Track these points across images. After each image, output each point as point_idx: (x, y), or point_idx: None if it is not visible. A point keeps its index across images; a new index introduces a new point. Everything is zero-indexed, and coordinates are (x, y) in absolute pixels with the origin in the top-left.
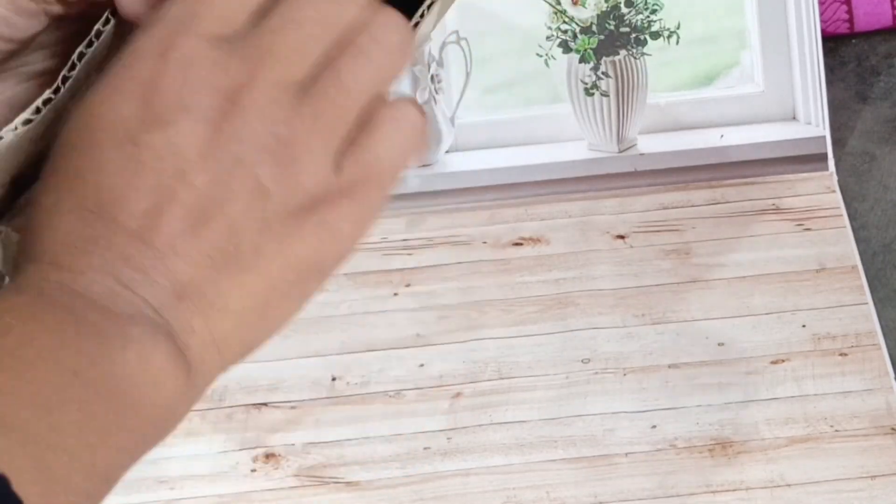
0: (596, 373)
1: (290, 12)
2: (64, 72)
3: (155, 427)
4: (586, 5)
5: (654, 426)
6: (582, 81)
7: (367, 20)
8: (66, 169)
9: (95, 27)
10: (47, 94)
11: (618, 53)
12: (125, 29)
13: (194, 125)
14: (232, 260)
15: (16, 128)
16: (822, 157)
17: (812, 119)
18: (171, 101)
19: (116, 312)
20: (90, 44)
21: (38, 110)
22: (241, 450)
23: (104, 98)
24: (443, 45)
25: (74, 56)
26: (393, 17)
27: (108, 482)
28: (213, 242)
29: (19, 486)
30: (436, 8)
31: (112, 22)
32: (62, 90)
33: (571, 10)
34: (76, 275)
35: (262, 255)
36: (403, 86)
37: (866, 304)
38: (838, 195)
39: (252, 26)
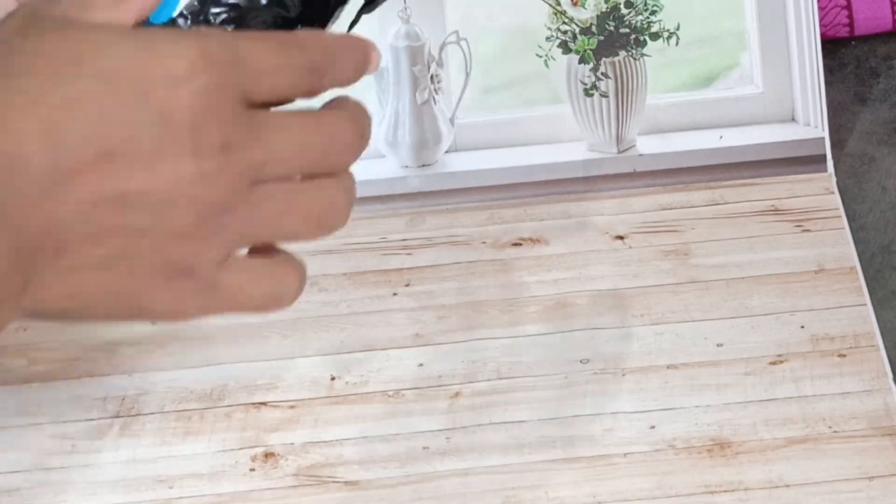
0: (595, 373)
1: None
2: None
3: None
4: (586, 6)
5: (652, 426)
6: (581, 82)
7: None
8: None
9: None
10: None
11: (617, 54)
12: None
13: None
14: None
15: None
16: (821, 159)
17: (811, 121)
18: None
19: None
20: None
21: None
22: (239, 449)
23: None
24: (442, 45)
25: None
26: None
27: None
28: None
29: None
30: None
31: None
32: None
33: (571, 11)
34: None
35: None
36: (404, 86)
37: (865, 305)
38: (837, 197)
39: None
